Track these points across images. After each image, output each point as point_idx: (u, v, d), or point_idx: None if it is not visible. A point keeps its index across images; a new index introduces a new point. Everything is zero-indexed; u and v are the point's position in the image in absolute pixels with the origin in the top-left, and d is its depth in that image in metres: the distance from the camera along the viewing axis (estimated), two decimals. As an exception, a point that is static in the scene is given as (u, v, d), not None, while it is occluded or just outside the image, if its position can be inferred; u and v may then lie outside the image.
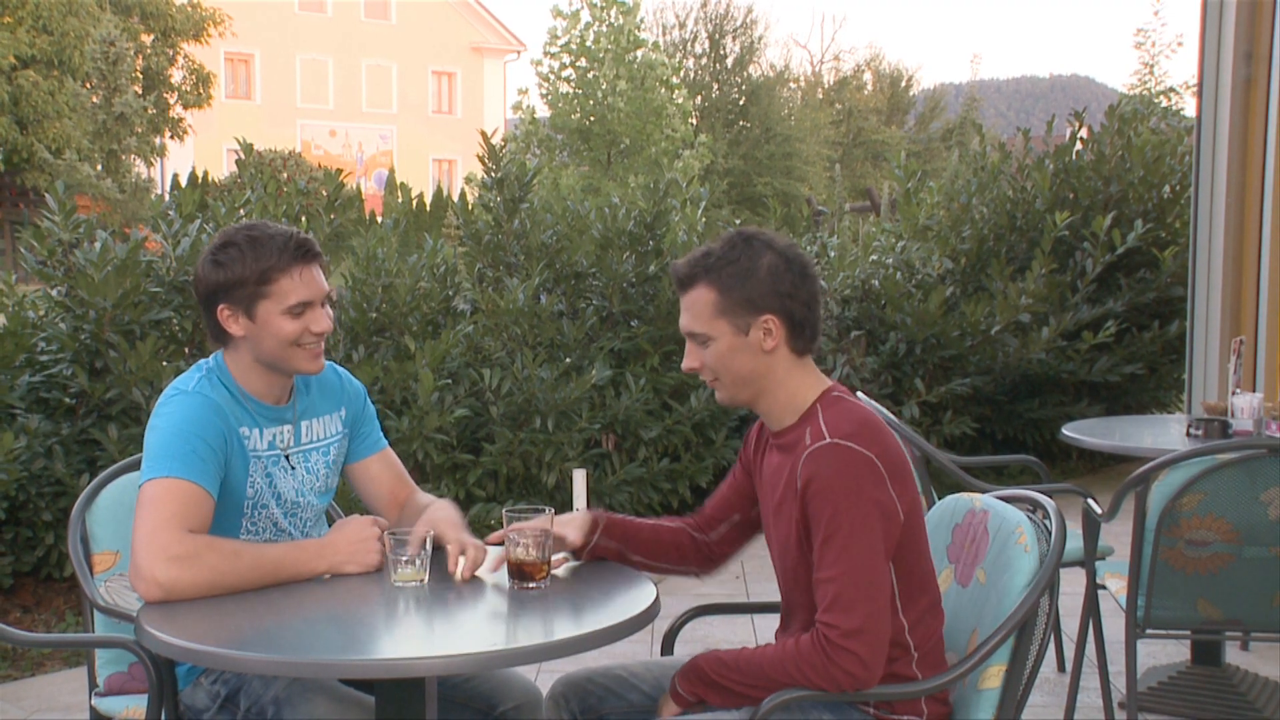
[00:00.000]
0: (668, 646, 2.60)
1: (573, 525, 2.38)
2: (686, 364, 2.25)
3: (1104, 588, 3.48)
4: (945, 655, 2.22)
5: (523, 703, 2.50)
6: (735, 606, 2.64)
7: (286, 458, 2.47)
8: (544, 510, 2.18)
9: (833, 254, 7.32)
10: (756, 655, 2.12)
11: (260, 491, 2.42)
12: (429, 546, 2.22)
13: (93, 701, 2.61)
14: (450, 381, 5.49)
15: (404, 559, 2.19)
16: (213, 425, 2.33)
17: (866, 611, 2.02)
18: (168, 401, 2.38)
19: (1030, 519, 2.22)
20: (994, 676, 2.13)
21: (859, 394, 2.38)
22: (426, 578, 2.21)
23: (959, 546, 2.35)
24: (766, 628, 4.42)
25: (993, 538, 2.24)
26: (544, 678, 3.89)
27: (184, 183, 25.63)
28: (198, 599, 2.18)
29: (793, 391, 2.21)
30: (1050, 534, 2.17)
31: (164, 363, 4.81)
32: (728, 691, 2.14)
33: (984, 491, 2.39)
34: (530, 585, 2.16)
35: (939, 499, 3.79)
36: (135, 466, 2.79)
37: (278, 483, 2.45)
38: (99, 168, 24.02)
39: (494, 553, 2.30)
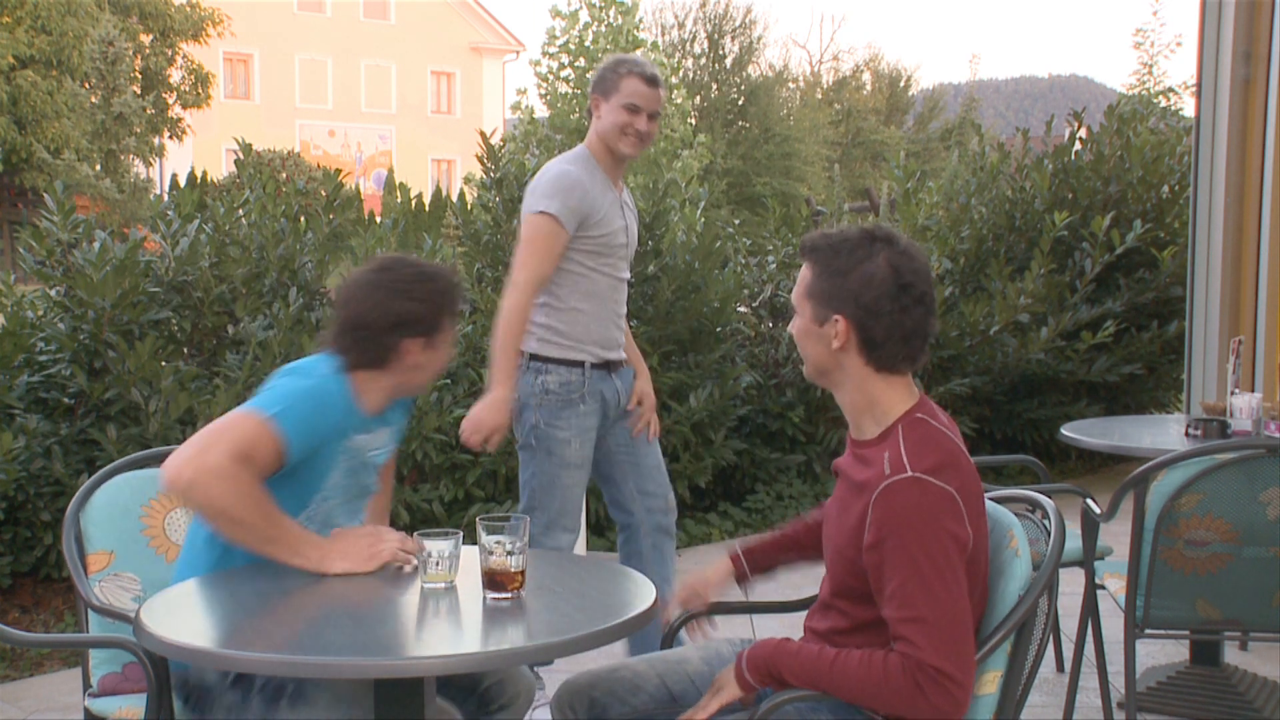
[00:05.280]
0: (667, 645, 2.60)
1: (715, 582, 2.46)
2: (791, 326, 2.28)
3: (1103, 588, 3.48)
4: None
5: (518, 688, 2.54)
6: (735, 606, 2.64)
7: (364, 461, 2.55)
8: (520, 519, 2.15)
9: (832, 254, 7.30)
10: (839, 667, 2.05)
11: (333, 487, 2.49)
12: (458, 549, 2.22)
13: (86, 703, 2.61)
14: (449, 381, 5.49)
15: (434, 561, 2.19)
16: (333, 419, 2.41)
17: (963, 656, 1.99)
18: (321, 367, 2.45)
19: (1029, 518, 2.21)
20: (990, 682, 2.12)
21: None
22: (455, 579, 2.21)
23: None
24: (764, 628, 4.41)
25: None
26: (543, 676, 3.88)
27: (183, 183, 25.62)
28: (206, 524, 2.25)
29: (873, 399, 2.16)
30: (1049, 534, 2.16)
31: (163, 363, 4.81)
32: (798, 690, 2.10)
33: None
34: (504, 595, 2.12)
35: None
36: (130, 466, 2.80)
37: (361, 478, 2.54)
38: (98, 168, 24.03)
39: (467, 553, 2.28)
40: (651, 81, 3.52)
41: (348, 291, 2.50)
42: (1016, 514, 2.22)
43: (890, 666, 2.00)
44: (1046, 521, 2.19)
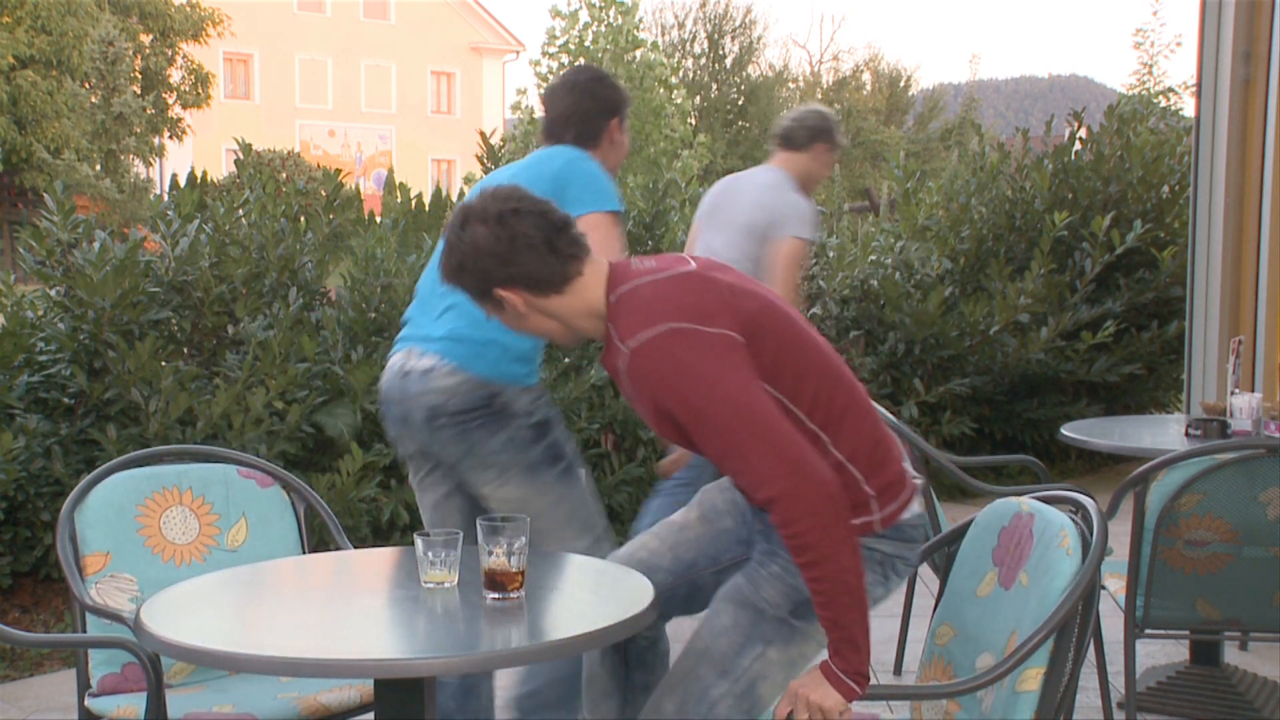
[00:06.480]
0: None
1: None
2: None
3: (1103, 588, 3.47)
4: (892, 458, 2.19)
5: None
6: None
7: None
8: (520, 519, 2.15)
9: (831, 254, 7.32)
10: (827, 608, 2.04)
11: None
12: (458, 548, 2.22)
13: (86, 702, 2.61)
14: (449, 381, 5.48)
15: (432, 560, 2.19)
16: None
17: (792, 470, 1.99)
18: (585, 158, 2.95)
19: (1072, 520, 2.19)
20: (1032, 679, 2.10)
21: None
22: (455, 579, 2.21)
23: (1004, 549, 2.32)
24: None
25: (1036, 541, 2.20)
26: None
27: (183, 183, 25.61)
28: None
29: (582, 311, 2.17)
30: (1090, 535, 2.13)
31: (163, 363, 4.81)
32: (860, 635, 2.06)
33: (961, 490, 2.37)
34: (504, 595, 2.12)
35: (939, 499, 3.81)
36: (126, 466, 2.79)
37: None
38: (98, 168, 24.05)
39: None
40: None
41: (556, 94, 3.10)
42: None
43: (799, 552, 2.01)
44: (1088, 522, 2.17)
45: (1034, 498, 2.32)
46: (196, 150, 35.06)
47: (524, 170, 2.90)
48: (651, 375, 2.03)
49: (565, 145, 3.04)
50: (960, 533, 2.46)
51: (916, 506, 2.22)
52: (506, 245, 2.09)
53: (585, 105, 3.07)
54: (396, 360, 2.86)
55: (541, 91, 3.08)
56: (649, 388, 2.05)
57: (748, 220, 4.13)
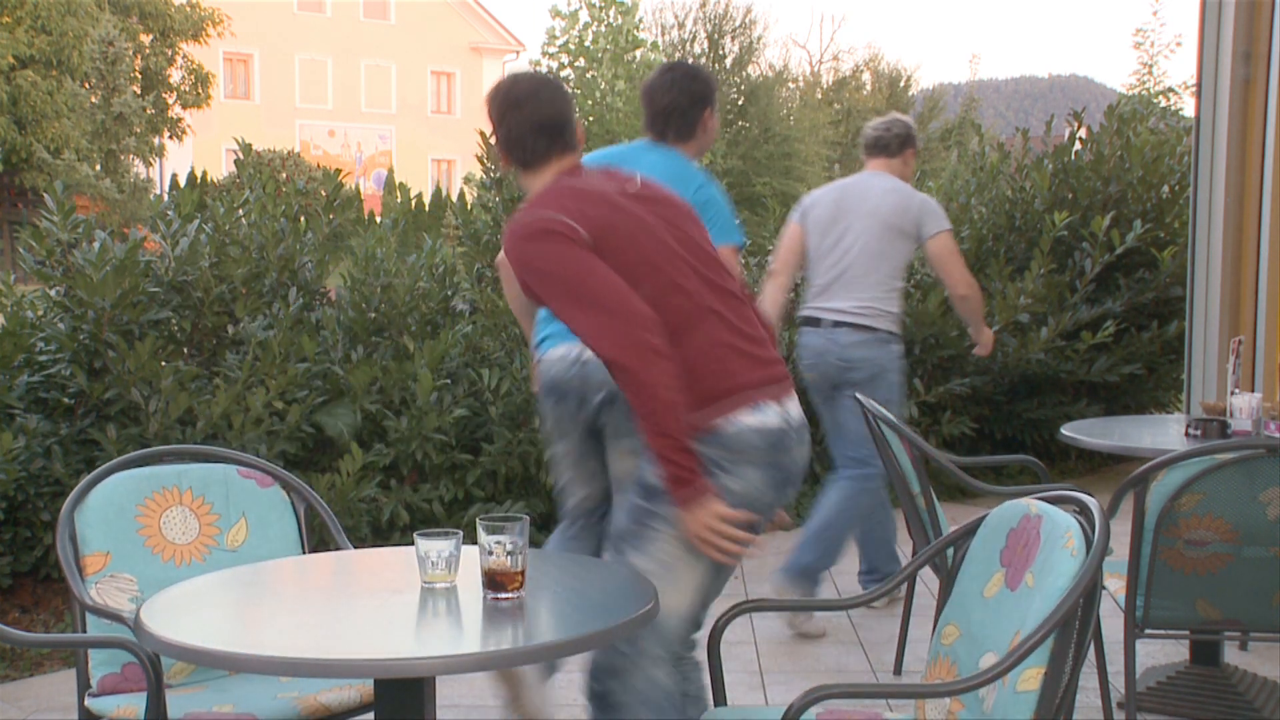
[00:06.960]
0: (713, 649, 2.57)
1: None
2: None
3: (1103, 588, 3.47)
4: (726, 383, 2.43)
5: None
6: (784, 604, 2.58)
7: None
8: (519, 519, 2.15)
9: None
10: (655, 428, 2.33)
11: None
12: (458, 549, 2.22)
13: (86, 702, 2.61)
14: (449, 382, 5.48)
15: (434, 561, 2.18)
16: None
17: (592, 310, 2.33)
18: (688, 164, 3.43)
19: (1078, 520, 2.19)
20: (1032, 679, 2.09)
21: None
22: (455, 579, 2.20)
23: (1012, 551, 2.32)
24: (761, 625, 4.41)
25: (1043, 542, 2.20)
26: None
27: (183, 183, 25.63)
28: None
29: (533, 190, 2.57)
30: (1092, 535, 2.13)
31: (163, 363, 4.81)
32: (679, 434, 2.34)
33: (961, 490, 2.37)
34: (504, 595, 2.12)
35: (939, 499, 3.81)
36: (126, 466, 2.79)
37: None
38: (98, 168, 24.07)
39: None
40: None
41: (656, 90, 3.41)
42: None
43: (622, 379, 2.34)
44: (1090, 522, 2.16)
45: (1038, 499, 2.32)
46: (196, 150, 35.07)
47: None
48: (513, 246, 2.42)
49: (677, 150, 3.43)
50: (965, 533, 2.46)
51: (748, 420, 2.43)
52: (498, 119, 2.61)
53: (682, 101, 3.45)
54: (566, 351, 3.21)
55: (640, 89, 3.56)
56: (512, 257, 2.42)
57: (892, 222, 4.63)
